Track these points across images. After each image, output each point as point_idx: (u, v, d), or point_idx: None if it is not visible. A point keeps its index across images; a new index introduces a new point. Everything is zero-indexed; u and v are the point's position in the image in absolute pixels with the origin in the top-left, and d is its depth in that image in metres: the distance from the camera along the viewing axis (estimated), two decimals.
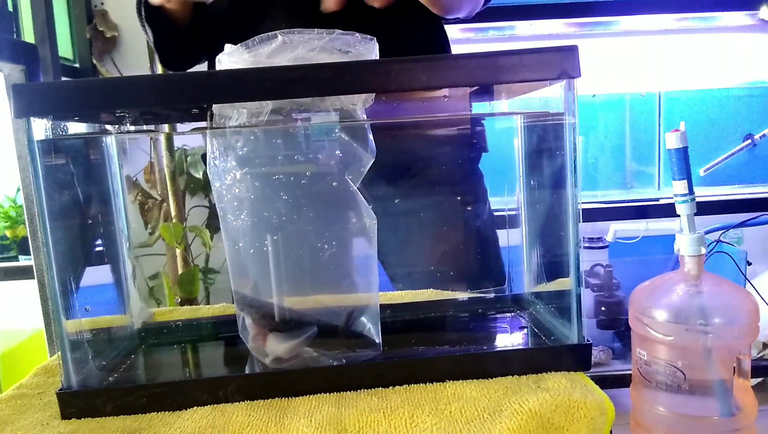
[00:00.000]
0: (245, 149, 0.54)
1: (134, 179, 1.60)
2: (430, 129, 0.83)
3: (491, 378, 0.52)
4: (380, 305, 0.57)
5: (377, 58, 0.54)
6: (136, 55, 1.69)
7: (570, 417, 0.45)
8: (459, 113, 0.68)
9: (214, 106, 0.52)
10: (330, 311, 0.57)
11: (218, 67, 0.53)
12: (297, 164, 0.56)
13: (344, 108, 0.53)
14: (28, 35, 1.41)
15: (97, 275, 0.59)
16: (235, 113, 0.53)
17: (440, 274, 0.84)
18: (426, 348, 0.61)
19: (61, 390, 0.50)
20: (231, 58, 0.53)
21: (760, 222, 0.63)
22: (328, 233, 0.56)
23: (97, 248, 0.62)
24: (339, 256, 0.56)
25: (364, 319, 0.56)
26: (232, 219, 0.55)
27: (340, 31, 0.52)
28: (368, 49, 0.53)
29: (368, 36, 0.53)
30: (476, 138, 0.88)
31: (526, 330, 0.64)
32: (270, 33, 0.52)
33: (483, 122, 0.87)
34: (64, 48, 1.64)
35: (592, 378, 0.52)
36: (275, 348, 0.55)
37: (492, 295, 0.72)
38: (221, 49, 0.54)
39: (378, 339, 0.55)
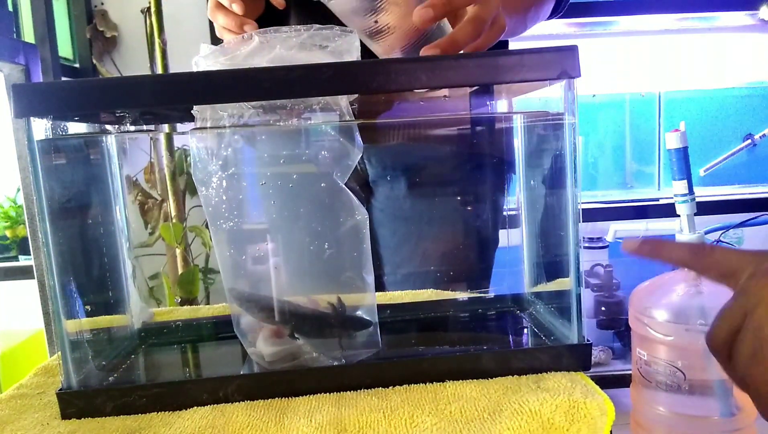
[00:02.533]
0: (230, 149, 0.54)
1: (134, 179, 1.60)
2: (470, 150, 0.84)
3: (491, 378, 0.52)
4: (380, 305, 0.56)
5: (358, 51, 0.52)
6: (136, 55, 1.69)
7: (570, 417, 0.45)
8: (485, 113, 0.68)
9: (195, 110, 0.52)
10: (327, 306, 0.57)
11: (194, 69, 0.52)
12: (284, 163, 0.55)
13: (329, 103, 0.53)
14: (28, 35, 1.41)
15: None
16: (216, 115, 0.52)
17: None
18: (426, 348, 0.61)
19: (61, 390, 0.50)
20: (207, 61, 0.52)
21: (760, 222, 0.63)
22: (318, 230, 0.55)
23: (97, 248, 0.62)
24: (330, 254, 0.55)
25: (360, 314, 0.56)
26: (221, 222, 0.55)
27: (317, 25, 0.51)
28: (348, 42, 0.52)
29: (348, 28, 0.52)
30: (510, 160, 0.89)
31: (526, 330, 0.64)
32: (245, 34, 0.51)
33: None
34: (64, 48, 1.64)
35: (592, 378, 0.52)
36: (263, 349, 0.55)
37: (492, 295, 0.72)
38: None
39: (377, 337, 0.55)
